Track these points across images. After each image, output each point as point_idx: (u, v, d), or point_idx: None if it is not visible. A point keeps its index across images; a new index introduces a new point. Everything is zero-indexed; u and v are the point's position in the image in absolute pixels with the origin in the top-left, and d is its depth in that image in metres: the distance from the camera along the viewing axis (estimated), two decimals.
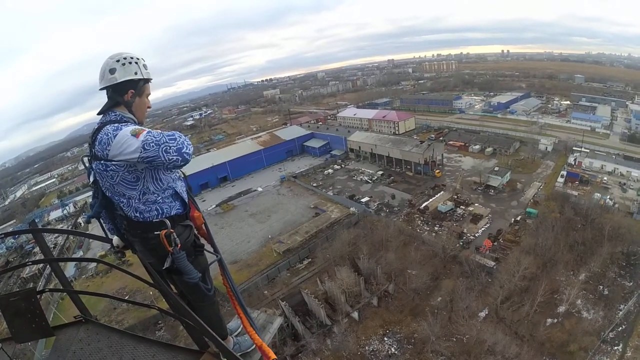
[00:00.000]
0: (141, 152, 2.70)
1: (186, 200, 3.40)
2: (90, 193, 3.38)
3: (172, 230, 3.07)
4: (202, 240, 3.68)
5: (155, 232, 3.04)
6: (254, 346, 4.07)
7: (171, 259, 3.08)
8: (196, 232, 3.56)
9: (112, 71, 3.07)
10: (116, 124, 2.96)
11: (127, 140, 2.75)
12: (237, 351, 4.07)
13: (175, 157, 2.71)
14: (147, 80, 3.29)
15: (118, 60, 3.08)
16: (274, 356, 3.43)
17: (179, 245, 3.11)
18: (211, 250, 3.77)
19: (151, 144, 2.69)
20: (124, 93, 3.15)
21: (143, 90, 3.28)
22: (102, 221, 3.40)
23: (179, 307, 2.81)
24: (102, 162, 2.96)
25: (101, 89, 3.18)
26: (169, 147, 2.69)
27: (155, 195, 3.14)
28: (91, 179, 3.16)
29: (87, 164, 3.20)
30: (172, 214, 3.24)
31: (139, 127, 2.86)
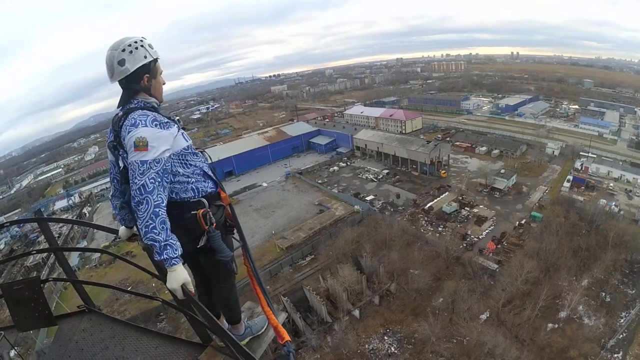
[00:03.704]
0: (128, 165, 2.86)
1: (215, 178, 3.49)
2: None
3: (208, 209, 3.16)
4: None
5: (192, 212, 3.10)
6: (264, 329, 4.20)
7: (206, 237, 3.15)
8: None
9: (121, 62, 2.96)
10: (142, 114, 2.98)
11: (130, 147, 2.84)
12: (248, 335, 4.16)
13: (132, 195, 2.79)
14: (156, 59, 3.21)
15: (124, 50, 2.96)
16: (288, 338, 3.48)
17: (215, 224, 3.19)
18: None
19: (131, 168, 2.81)
20: (139, 80, 3.09)
21: (156, 71, 3.22)
22: (120, 210, 3.49)
23: (187, 298, 2.80)
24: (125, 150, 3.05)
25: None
26: (133, 187, 2.78)
27: (186, 176, 3.21)
28: (121, 164, 3.18)
29: (111, 150, 3.27)
30: (207, 192, 3.34)
31: (145, 139, 2.84)
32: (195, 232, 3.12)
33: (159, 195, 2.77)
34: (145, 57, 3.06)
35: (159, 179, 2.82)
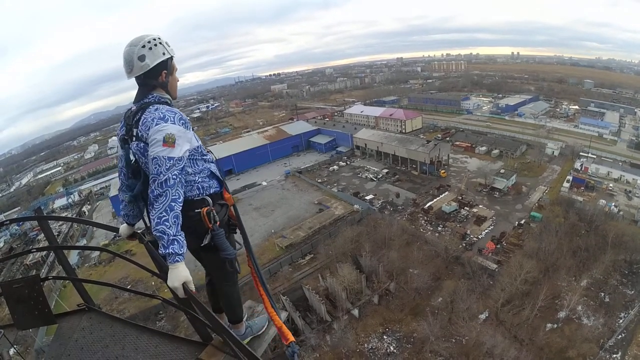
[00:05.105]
0: (152, 159, 2.86)
1: (221, 179, 3.54)
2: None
3: (212, 207, 3.21)
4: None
5: (197, 210, 3.14)
6: (264, 329, 4.22)
7: (210, 235, 3.19)
8: None
9: (141, 58, 3.07)
10: (169, 110, 3.05)
11: (158, 141, 2.87)
12: (248, 334, 4.16)
13: (151, 188, 2.82)
14: (172, 57, 3.31)
15: (144, 46, 3.07)
16: (292, 338, 3.44)
17: (218, 222, 3.23)
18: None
19: (156, 162, 2.84)
20: (157, 76, 3.20)
21: (172, 68, 3.32)
22: (128, 203, 3.52)
23: (188, 296, 2.80)
24: (142, 143, 3.06)
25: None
26: (155, 180, 2.81)
27: (193, 175, 3.25)
28: (132, 158, 3.23)
29: (121, 144, 3.32)
30: (211, 192, 3.38)
31: (174, 136, 2.91)
32: (199, 230, 3.15)
33: (177, 191, 2.83)
34: (164, 53, 3.17)
35: (180, 176, 2.91)
